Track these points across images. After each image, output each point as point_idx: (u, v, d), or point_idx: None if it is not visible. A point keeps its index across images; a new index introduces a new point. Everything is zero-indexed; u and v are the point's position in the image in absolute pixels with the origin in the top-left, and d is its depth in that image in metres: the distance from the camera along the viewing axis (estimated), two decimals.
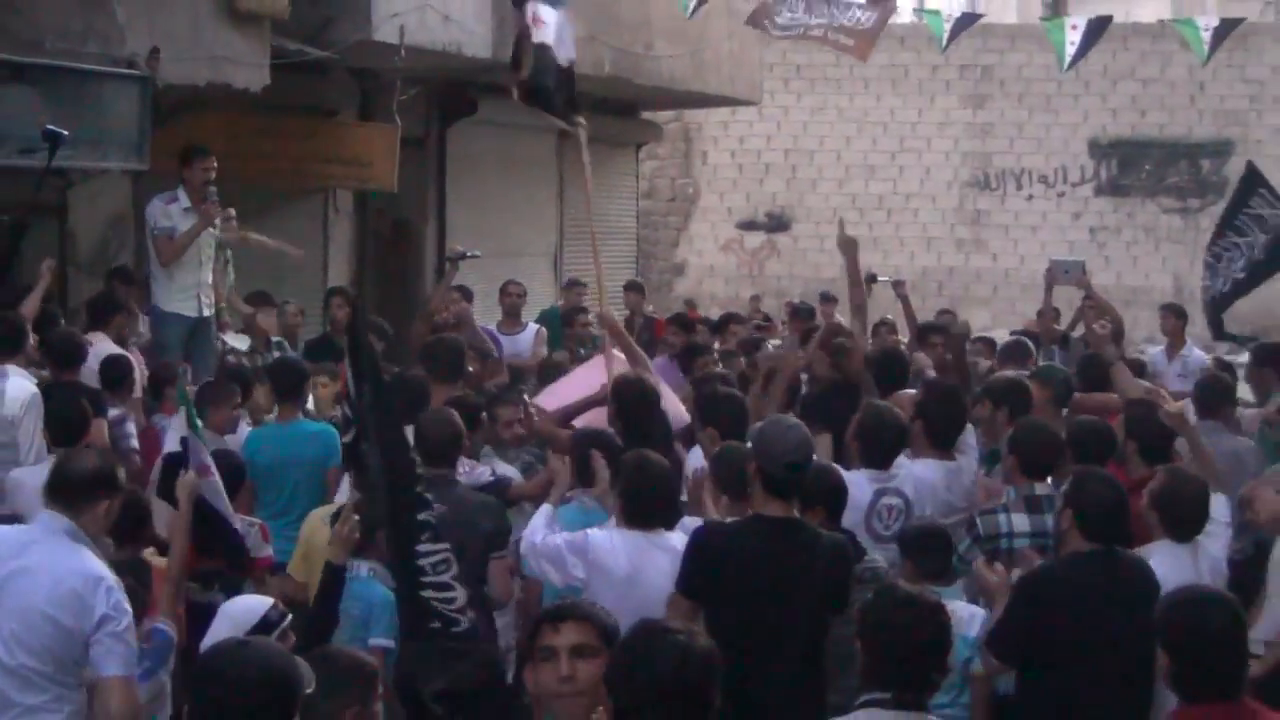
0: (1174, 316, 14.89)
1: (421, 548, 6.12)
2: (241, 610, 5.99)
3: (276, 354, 11.93)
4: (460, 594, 6.18)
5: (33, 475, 8.40)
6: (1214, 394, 9.73)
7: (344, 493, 8.21)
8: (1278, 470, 7.98)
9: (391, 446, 6.33)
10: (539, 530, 7.10)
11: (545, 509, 7.26)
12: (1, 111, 10.26)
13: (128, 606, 5.80)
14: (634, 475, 7.00)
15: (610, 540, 6.87)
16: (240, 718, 3.81)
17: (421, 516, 6.17)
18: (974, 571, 6.95)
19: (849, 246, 11.04)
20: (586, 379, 10.04)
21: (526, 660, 4.49)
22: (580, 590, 6.72)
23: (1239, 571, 7.57)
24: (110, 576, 5.81)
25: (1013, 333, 15.18)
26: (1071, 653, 6.13)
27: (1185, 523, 6.92)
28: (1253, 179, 14.33)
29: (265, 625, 5.76)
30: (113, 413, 9.62)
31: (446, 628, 6.19)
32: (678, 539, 6.84)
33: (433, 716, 7.56)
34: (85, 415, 8.59)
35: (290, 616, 6.05)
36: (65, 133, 10.12)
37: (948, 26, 15.32)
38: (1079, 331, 13.88)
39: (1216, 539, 7.35)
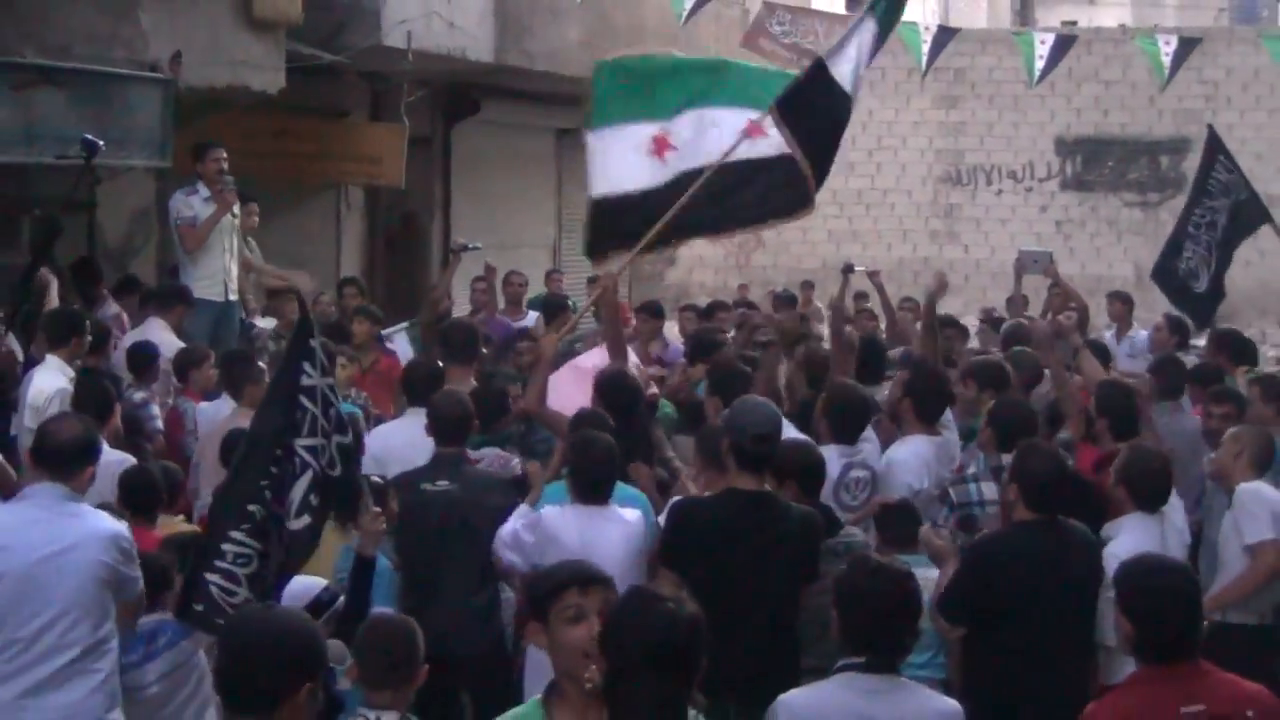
0: (1120, 302, 15.01)
1: (235, 534, 5.70)
2: (300, 589, 6.01)
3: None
4: (242, 597, 5.64)
5: None
6: (1171, 376, 9.76)
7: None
8: (1240, 431, 8.01)
9: (258, 434, 5.96)
10: (506, 525, 7.09)
11: (521, 508, 7.20)
12: (34, 113, 10.28)
13: (130, 550, 5.93)
14: (580, 454, 6.99)
15: (562, 515, 6.87)
16: (261, 677, 3.78)
17: (251, 507, 5.73)
18: (921, 538, 6.97)
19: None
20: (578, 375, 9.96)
21: (537, 619, 4.48)
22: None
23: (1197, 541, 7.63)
24: (107, 528, 5.90)
25: (981, 320, 15.21)
26: (1015, 614, 6.16)
27: (1152, 495, 6.95)
28: (1213, 144, 14.24)
29: (316, 605, 5.79)
30: (138, 395, 9.62)
31: (209, 616, 5.69)
32: (629, 513, 6.89)
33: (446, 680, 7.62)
34: (110, 398, 8.60)
35: (341, 599, 6.08)
36: (101, 143, 10.17)
37: (926, 42, 15.26)
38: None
39: (1176, 510, 7.39)
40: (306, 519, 5.80)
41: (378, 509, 6.38)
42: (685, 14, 15.21)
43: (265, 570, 5.70)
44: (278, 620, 3.95)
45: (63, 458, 5.97)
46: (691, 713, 4.02)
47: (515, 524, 7.02)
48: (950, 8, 34.88)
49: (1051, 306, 14.10)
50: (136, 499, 7.40)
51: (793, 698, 4.88)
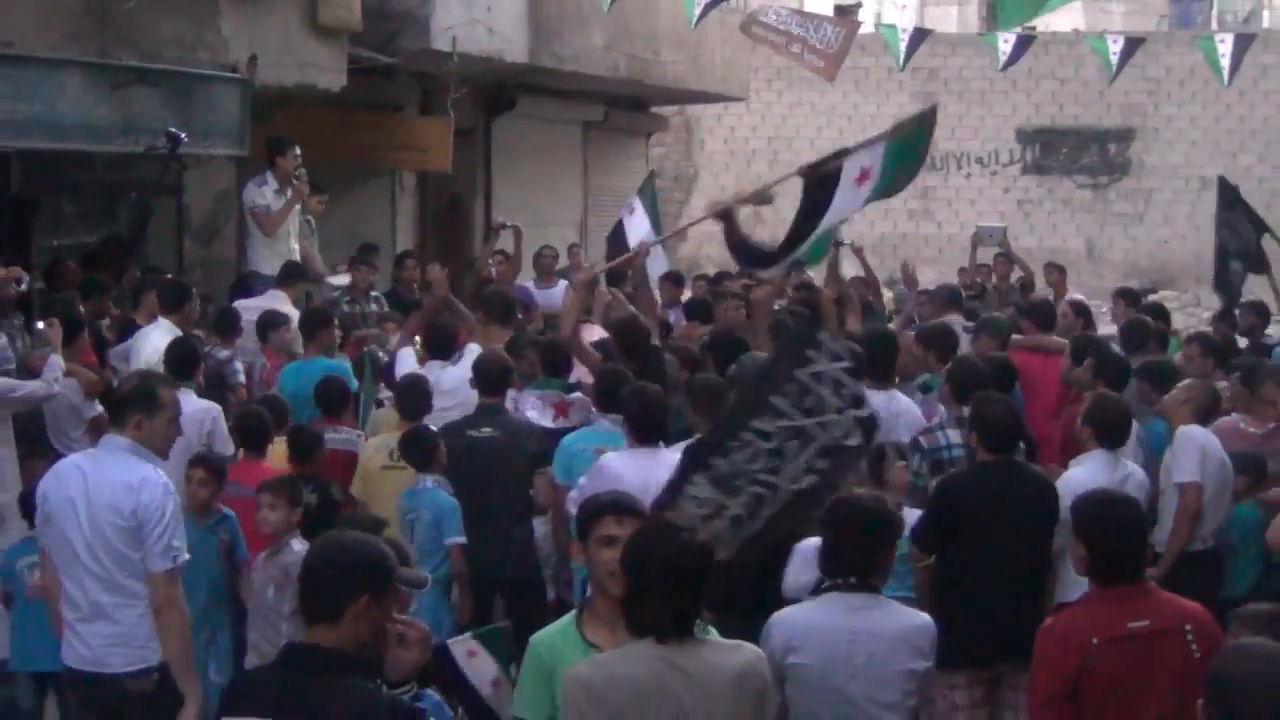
0: (1056, 271, 15.04)
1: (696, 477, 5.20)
2: None
3: (374, 306, 11.92)
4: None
5: None
6: (1137, 333, 9.75)
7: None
8: (1193, 383, 8.01)
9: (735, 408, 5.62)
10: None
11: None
12: (129, 108, 10.27)
13: (168, 503, 5.51)
14: (636, 405, 6.98)
15: (621, 460, 6.86)
16: (326, 590, 3.78)
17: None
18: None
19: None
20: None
21: (581, 540, 4.53)
22: None
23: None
24: (151, 475, 5.50)
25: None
26: (977, 541, 6.16)
27: (1112, 432, 6.95)
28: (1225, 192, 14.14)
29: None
30: (222, 353, 9.63)
31: None
32: (672, 455, 6.84)
33: (489, 601, 7.64)
34: (196, 356, 8.62)
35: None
36: (184, 135, 10.19)
37: (904, 41, 15.16)
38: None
39: (1136, 457, 7.42)
40: (812, 478, 5.14)
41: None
42: (695, 18, 15.12)
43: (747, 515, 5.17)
44: (342, 541, 3.93)
45: (111, 410, 5.80)
46: (699, 625, 4.03)
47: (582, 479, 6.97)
48: (925, 16, 34.75)
49: (996, 271, 14.22)
50: (247, 435, 7.44)
51: (786, 615, 4.87)
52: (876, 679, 4.68)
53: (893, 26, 16.20)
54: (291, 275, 11.19)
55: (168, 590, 5.46)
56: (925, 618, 4.96)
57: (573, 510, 6.95)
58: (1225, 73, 14.05)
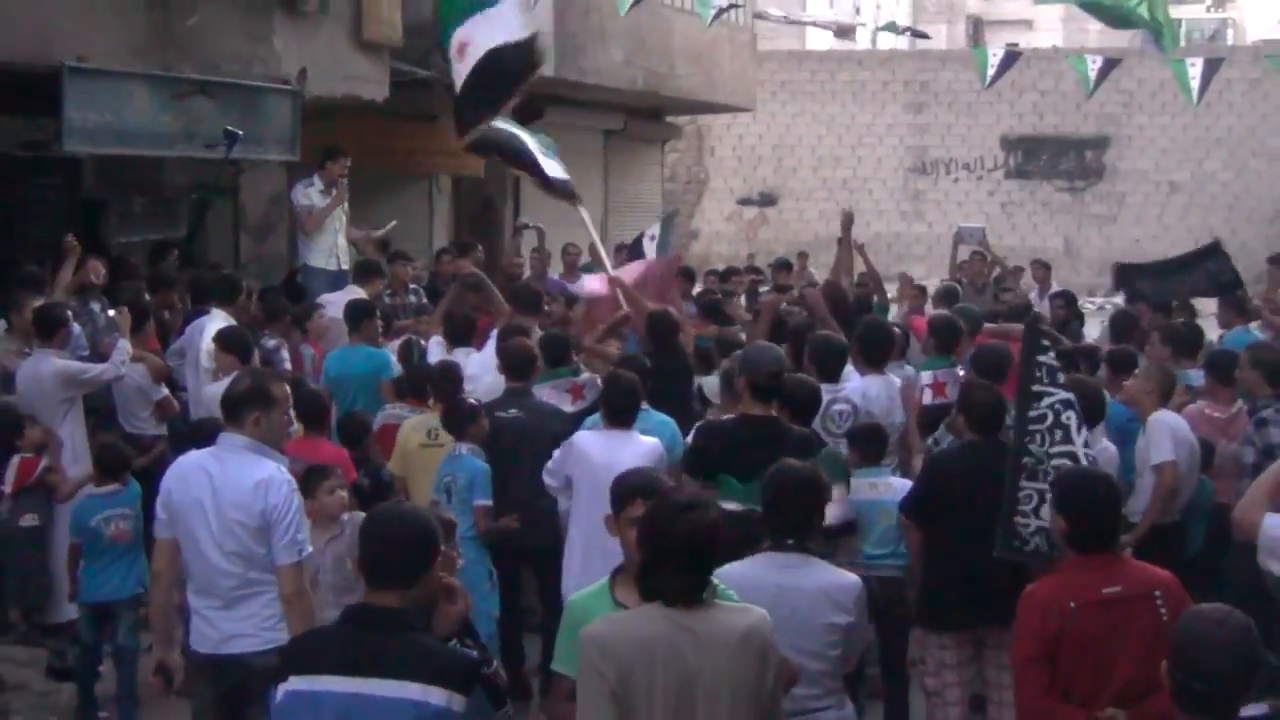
0: (1042, 268, 15.10)
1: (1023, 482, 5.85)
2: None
3: (412, 298, 11.91)
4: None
5: (221, 388, 8.49)
6: (1123, 325, 9.75)
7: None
8: (1150, 368, 8.03)
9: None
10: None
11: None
12: (190, 117, 10.29)
13: (293, 499, 5.33)
14: (609, 388, 6.96)
15: (592, 437, 6.84)
16: (413, 561, 3.81)
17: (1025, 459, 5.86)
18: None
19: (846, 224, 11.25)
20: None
21: (615, 515, 4.65)
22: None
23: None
24: (275, 475, 5.32)
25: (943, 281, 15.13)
26: (961, 513, 6.13)
27: (1088, 413, 6.90)
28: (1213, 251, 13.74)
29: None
30: (270, 342, 9.64)
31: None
32: (648, 439, 6.81)
33: (510, 562, 7.64)
34: (249, 345, 8.63)
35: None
36: (240, 132, 10.20)
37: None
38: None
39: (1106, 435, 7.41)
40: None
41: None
42: (710, 18, 15.09)
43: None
44: (412, 514, 3.94)
45: (228, 410, 5.48)
46: (711, 588, 4.00)
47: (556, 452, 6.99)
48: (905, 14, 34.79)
49: (971, 268, 14.16)
50: (308, 414, 7.44)
51: (724, 571, 4.79)
52: (800, 629, 4.63)
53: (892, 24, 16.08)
54: (370, 272, 11.12)
55: (296, 582, 5.28)
56: (851, 577, 4.89)
57: (546, 479, 6.97)
58: (1194, 93, 13.99)
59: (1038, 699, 4.58)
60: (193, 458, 5.54)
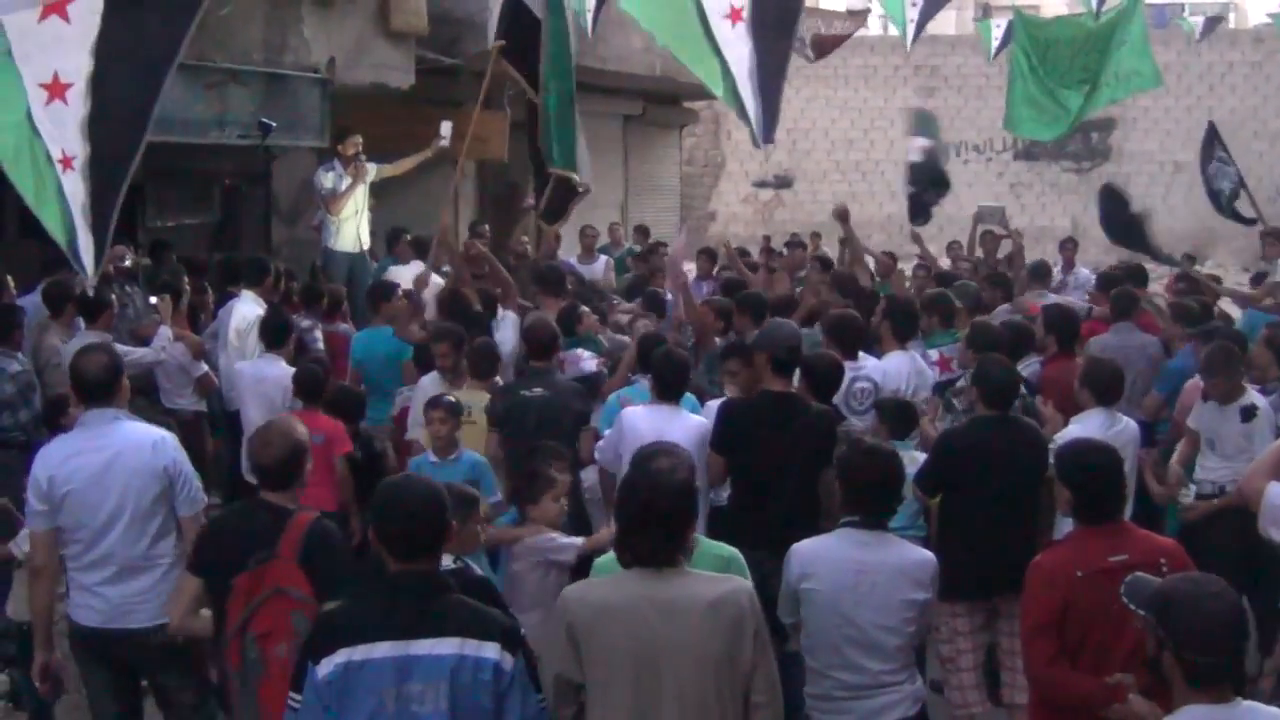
0: (1070, 245, 15.02)
1: None
2: None
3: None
4: None
5: (251, 367, 8.50)
6: (1124, 300, 9.67)
7: (424, 386, 8.24)
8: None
9: None
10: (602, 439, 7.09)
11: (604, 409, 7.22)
12: (223, 105, 10.32)
13: (183, 452, 5.29)
14: (661, 364, 6.91)
15: (640, 412, 6.81)
16: (442, 530, 3.80)
17: None
18: (921, 429, 6.96)
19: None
20: None
21: None
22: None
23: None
24: (164, 434, 5.30)
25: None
26: (974, 487, 6.10)
27: (1107, 391, 6.86)
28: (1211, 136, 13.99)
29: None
30: (305, 323, 9.67)
31: None
32: (694, 416, 6.80)
33: None
34: (289, 327, 8.64)
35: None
36: (274, 124, 10.21)
37: (912, 25, 14.92)
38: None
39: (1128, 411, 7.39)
40: None
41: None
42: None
43: None
44: (430, 487, 3.89)
45: (98, 389, 5.25)
46: (694, 552, 3.98)
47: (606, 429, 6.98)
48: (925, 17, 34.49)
49: (984, 247, 14.21)
50: (306, 389, 7.48)
51: (802, 546, 4.85)
52: (879, 605, 4.66)
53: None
54: (421, 250, 11.20)
55: (195, 533, 5.09)
56: (927, 554, 4.92)
57: (598, 456, 6.97)
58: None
59: (1046, 667, 4.57)
60: (63, 441, 5.34)
